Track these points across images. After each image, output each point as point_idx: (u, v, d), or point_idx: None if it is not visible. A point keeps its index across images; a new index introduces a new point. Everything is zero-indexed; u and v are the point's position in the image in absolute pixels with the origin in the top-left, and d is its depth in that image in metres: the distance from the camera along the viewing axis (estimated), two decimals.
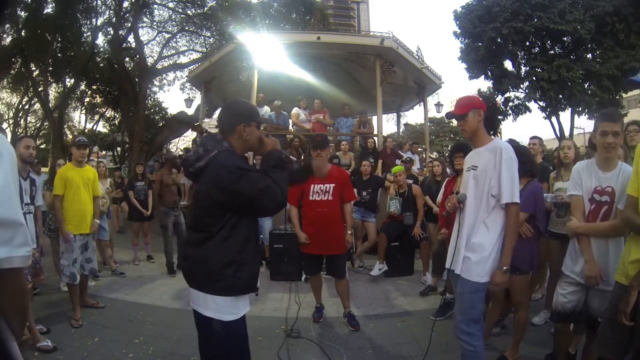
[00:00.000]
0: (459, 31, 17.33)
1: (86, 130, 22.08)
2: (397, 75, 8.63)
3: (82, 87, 17.48)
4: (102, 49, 15.56)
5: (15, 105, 21.88)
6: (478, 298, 2.18)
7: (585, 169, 2.32)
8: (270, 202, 1.62)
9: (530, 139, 4.11)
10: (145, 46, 15.56)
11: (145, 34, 16.73)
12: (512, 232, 2.11)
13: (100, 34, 15.15)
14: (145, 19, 15.20)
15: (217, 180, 1.60)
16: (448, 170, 4.90)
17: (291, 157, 1.94)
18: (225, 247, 1.63)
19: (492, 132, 15.76)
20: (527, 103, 17.53)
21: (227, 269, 1.62)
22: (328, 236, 3.51)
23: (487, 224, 2.14)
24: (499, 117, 17.61)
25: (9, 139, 4.40)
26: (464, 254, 2.17)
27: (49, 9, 14.01)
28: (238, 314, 1.68)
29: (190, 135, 18.54)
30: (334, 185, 3.54)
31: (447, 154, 17.02)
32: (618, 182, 2.15)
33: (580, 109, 15.62)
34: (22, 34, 13.57)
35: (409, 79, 9.64)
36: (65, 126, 21.49)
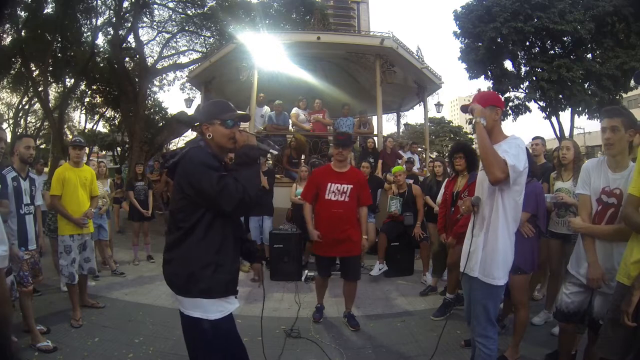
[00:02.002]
0: (459, 31, 17.36)
1: (86, 130, 22.09)
2: (397, 75, 8.62)
3: (82, 87, 17.48)
4: (102, 49, 15.55)
5: (15, 105, 21.91)
6: (494, 301, 2.13)
7: (595, 168, 2.24)
8: (228, 204, 1.56)
9: (533, 139, 4.11)
10: (145, 46, 15.55)
11: (145, 34, 16.77)
12: (482, 141, 1.97)
13: (100, 34, 15.14)
14: (145, 19, 15.19)
15: (185, 175, 1.62)
16: (448, 169, 4.90)
17: (270, 148, 1.83)
18: (201, 248, 1.62)
19: None
20: (527, 103, 17.58)
21: (205, 270, 1.62)
22: (342, 238, 3.41)
23: (503, 225, 2.06)
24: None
25: (9, 139, 4.42)
26: (480, 256, 2.10)
27: (49, 9, 14.01)
28: (225, 312, 1.67)
29: (190, 135, 18.57)
30: (351, 186, 3.44)
31: (446, 154, 16.97)
32: (627, 184, 2.06)
33: (580, 109, 15.64)
34: (22, 34, 13.56)
35: (409, 79, 9.64)
36: (65, 126, 21.50)
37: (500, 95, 2.30)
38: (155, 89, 18.12)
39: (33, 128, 23.82)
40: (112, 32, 14.23)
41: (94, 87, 17.18)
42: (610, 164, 2.18)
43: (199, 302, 1.63)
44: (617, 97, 16.04)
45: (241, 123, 1.83)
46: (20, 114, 22.16)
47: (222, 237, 1.66)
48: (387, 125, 21.57)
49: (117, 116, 18.76)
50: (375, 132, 8.17)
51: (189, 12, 15.27)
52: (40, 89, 14.80)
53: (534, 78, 16.10)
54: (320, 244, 3.46)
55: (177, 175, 1.67)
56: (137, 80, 14.46)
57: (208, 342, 1.66)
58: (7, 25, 13.32)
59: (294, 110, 8.13)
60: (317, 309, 3.80)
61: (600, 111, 2.22)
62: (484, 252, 2.10)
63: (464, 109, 2.19)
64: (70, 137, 19.52)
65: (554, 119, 17.25)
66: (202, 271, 1.61)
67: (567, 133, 17.42)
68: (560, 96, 15.66)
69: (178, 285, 1.67)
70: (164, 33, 15.99)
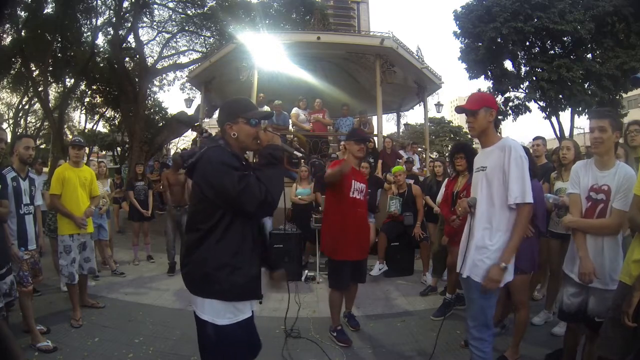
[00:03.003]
0: (459, 31, 17.34)
1: (86, 130, 22.08)
2: (397, 75, 8.62)
3: (82, 87, 17.47)
4: (102, 49, 15.55)
5: (15, 105, 21.90)
6: (489, 302, 2.12)
7: (583, 167, 2.33)
8: (250, 205, 1.52)
9: (534, 139, 4.12)
10: (145, 46, 15.55)
11: (145, 34, 16.77)
12: (520, 231, 2.03)
13: (100, 34, 15.14)
14: (145, 19, 15.19)
15: (204, 175, 1.57)
16: (449, 169, 4.90)
17: (295, 150, 1.84)
18: (219, 249, 1.58)
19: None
20: (527, 103, 17.56)
21: (221, 272, 1.58)
22: (364, 239, 3.33)
23: (499, 226, 2.07)
24: (499, 117, 17.64)
25: (9, 139, 4.42)
26: (476, 257, 2.10)
27: (49, 9, 14.01)
28: (233, 319, 1.61)
29: (190, 135, 18.59)
30: (365, 186, 3.39)
31: (447, 154, 16.97)
32: (614, 180, 2.14)
33: (580, 109, 15.62)
34: (22, 34, 13.56)
35: (409, 79, 9.64)
36: (65, 126, 21.49)
37: (494, 97, 2.38)
38: (155, 89, 18.16)
39: (33, 128, 23.81)
40: (112, 32, 14.24)
41: (94, 87, 17.17)
42: (597, 164, 2.26)
43: (210, 304, 1.60)
44: (617, 97, 16.03)
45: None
46: (20, 114, 22.16)
47: (240, 239, 1.61)
48: (387, 125, 21.61)
49: (117, 116, 18.75)
50: (375, 132, 8.17)
51: (189, 12, 15.28)
52: (40, 89, 14.80)
53: (534, 78, 16.09)
54: (346, 246, 3.15)
55: (195, 176, 1.62)
56: (137, 80, 14.46)
57: (212, 346, 1.62)
58: (7, 25, 13.32)
59: (294, 110, 8.13)
60: (339, 332, 3.29)
61: (589, 112, 2.31)
62: (479, 252, 2.10)
63: (459, 109, 2.25)
64: (70, 137, 19.52)
65: (554, 119, 17.24)
66: (218, 272, 1.58)
67: (567, 133, 17.42)
68: (560, 96, 15.65)
69: (193, 285, 1.65)
70: (164, 33, 16.02)
